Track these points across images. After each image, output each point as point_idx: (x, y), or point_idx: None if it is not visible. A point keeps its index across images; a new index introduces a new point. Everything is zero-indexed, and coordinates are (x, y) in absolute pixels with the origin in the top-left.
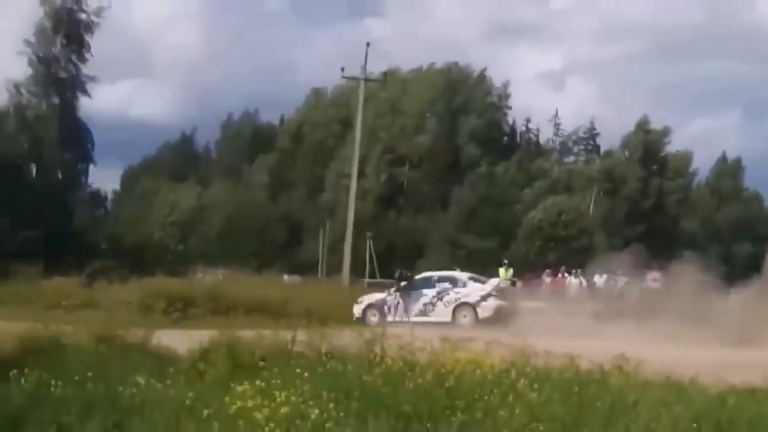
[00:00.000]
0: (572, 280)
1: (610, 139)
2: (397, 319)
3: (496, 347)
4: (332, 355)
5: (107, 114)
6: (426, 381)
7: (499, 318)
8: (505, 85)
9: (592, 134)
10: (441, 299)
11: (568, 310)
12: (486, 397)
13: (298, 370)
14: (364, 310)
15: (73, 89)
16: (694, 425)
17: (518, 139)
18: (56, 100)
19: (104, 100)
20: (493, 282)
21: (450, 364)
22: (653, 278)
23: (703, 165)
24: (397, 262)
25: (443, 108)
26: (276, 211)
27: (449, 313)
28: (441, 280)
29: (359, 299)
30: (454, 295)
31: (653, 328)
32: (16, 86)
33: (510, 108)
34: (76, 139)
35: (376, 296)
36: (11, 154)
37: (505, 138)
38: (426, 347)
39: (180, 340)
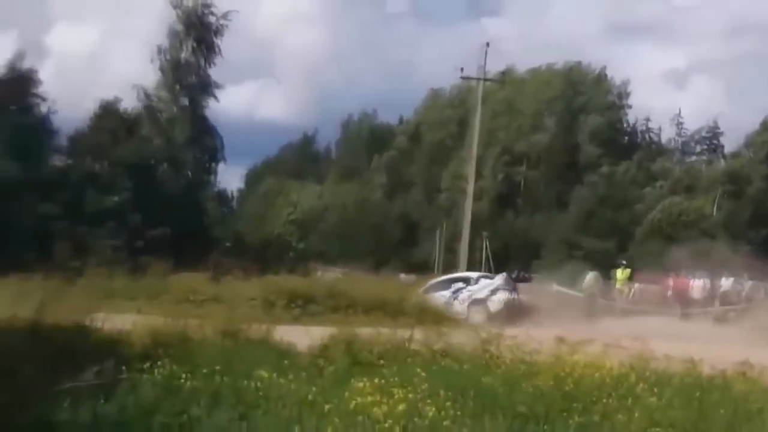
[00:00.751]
0: (696, 283)
1: (733, 138)
2: None
3: (614, 350)
4: (447, 353)
5: (233, 114)
6: (543, 383)
7: (511, 312)
8: (625, 84)
9: (715, 133)
10: (456, 298)
11: (691, 313)
12: (604, 401)
13: (416, 369)
14: None
15: (202, 91)
16: None
17: (638, 138)
18: (186, 102)
19: (230, 101)
20: (500, 278)
21: (568, 366)
22: None
23: None
24: (512, 262)
25: (562, 107)
26: (393, 210)
27: (464, 310)
28: (456, 280)
29: None
30: (466, 293)
31: None
32: (146, 91)
33: (630, 107)
34: (204, 140)
35: None
36: (145, 155)
37: (626, 138)
38: (542, 348)
39: (301, 337)
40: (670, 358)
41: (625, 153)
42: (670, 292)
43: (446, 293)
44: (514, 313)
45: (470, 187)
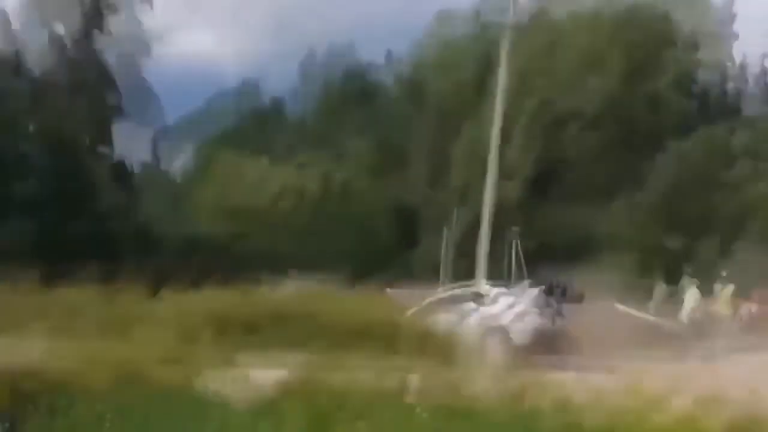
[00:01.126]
0: None
1: None
2: None
3: (711, 405)
4: (462, 410)
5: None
6: None
7: (547, 344)
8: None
9: None
10: (464, 324)
11: None
12: None
13: None
14: None
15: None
16: None
17: (749, 84)
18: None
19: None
20: (529, 293)
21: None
22: None
23: None
24: (552, 268)
25: (631, 43)
26: (382, 196)
27: (475, 342)
28: (463, 298)
29: None
30: (478, 315)
31: None
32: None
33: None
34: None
35: None
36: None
37: (730, 85)
38: (598, 401)
39: (237, 384)
40: None
41: (728, 108)
42: None
43: (455, 315)
44: (550, 345)
45: (493, 160)
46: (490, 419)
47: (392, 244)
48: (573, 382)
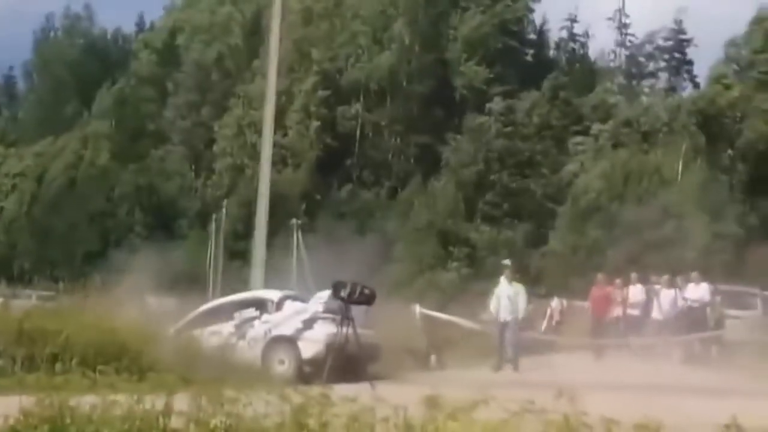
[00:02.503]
0: (661, 294)
1: (708, 47)
2: None
3: (530, 416)
4: None
5: None
6: None
7: (342, 356)
8: None
9: (678, 41)
10: (243, 336)
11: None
12: None
13: None
14: None
15: None
16: None
17: (553, 52)
18: None
19: None
20: (317, 298)
21: None
22: None
23: None
24: (347, 269)
25: (417, 6)
26: (127, 184)
27: (258, 356)
28: (242, 305)
29: None
30: (260, 326)
31: None
32: None
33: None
34: None
35: None
36: None
37: (530, 52)
38: (399, 418)
39: None
40: (615, 422)
41: (531, 77)
42: (620, 310)
43: (227, 327)
44: (346, 358)
45: (267, 143)
46: None
47: (143, 244)
48: (369, 397)
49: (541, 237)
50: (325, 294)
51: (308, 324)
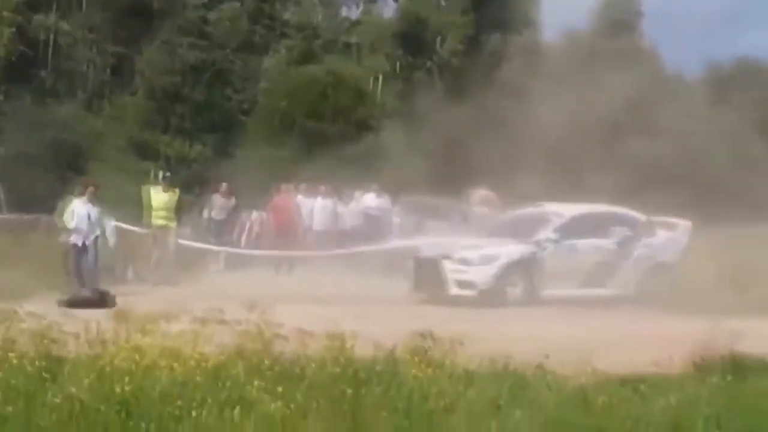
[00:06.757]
0: (316, 204)
1: None
2: None
3: (211, 327)
4: None
5: None
6: (76, 386)
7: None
8: None
9: None
10: None
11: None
12: (171, 411)
13: None
14: None
15: None
16: None
17: None
18: None
19: None
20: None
21: (126, 358)
22: (481, 199)
23: None
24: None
25: None
26: None
27: None
28: None
29: None
30: None
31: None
32: None
33: None
34: None
35: None
36: None
37: None
38: (91, 333)
39: None
40: (308, 334)
41: None
42: (302, 222)
43: None
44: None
45: None
46: None
47: None
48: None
49: (235, 150)
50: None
51: None
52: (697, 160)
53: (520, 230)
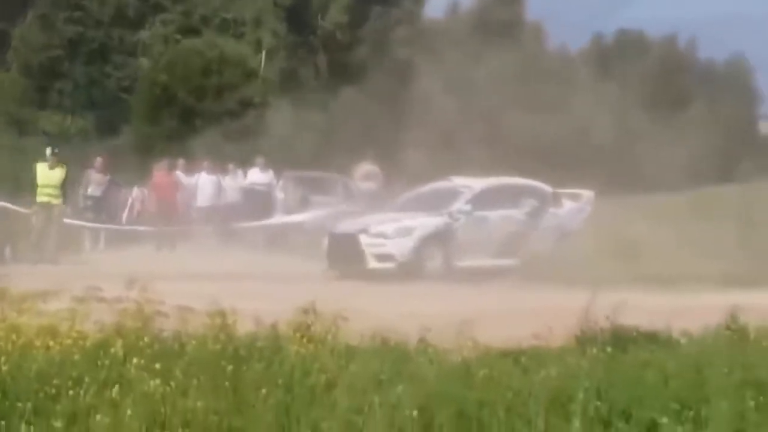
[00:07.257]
0: (200, 179)
1: None
2: None
3: (94, 304)
4: None
5: None
6: None
7: None
8: None
9: None
10: None
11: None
12: (48, 391)
13: None
14: None
15: None
16: None
17: None
18: None
19: None
20: None
21: (1, 338)
22: (366, 174)
23: None
24: None
25: None
26: None
27: None
28: None
29: None
30: None
31: None
32: None
33: None
34: None
35: None
36: None
37: None
38: None
39: None
40: (189, 311)
41: None
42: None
43: None
44: None
45: None
46: None
47: None
48: None
49: (116, 127)
50: None
51: None
52: (581, 132)
53: (431, 204)
